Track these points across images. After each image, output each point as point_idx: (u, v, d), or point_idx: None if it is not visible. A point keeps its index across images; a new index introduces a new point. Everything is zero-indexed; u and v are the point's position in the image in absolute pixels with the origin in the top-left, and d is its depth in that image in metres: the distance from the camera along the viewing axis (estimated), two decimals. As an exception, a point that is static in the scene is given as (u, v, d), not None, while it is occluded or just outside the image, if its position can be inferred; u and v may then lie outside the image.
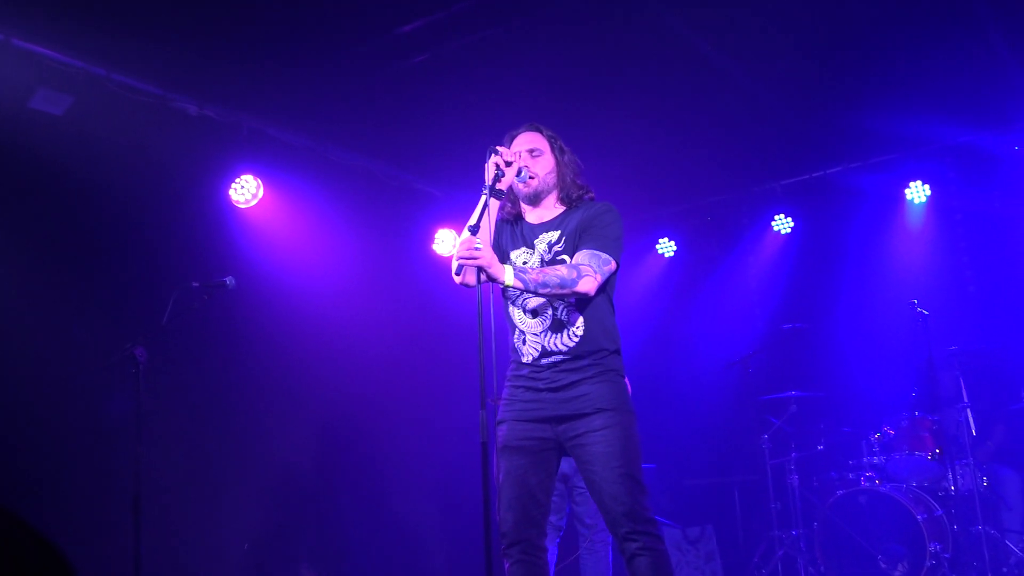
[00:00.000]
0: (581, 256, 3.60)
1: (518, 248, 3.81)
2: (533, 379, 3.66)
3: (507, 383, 3.77)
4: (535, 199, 3.83)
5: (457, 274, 3.51)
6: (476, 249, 3.33)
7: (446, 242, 8.15)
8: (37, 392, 5.54)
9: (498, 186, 3.61)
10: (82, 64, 5.72)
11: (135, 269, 6.07)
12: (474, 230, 3.40)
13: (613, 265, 3.66)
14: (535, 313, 3.69)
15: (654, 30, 5.90)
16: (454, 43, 5.90)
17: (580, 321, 3.65)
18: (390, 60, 6.05)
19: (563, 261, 3.67)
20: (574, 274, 3.51)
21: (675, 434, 8.18)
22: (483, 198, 3.55)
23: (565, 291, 3.50)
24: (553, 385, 3.62)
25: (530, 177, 3.76)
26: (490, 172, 3.61)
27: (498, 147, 3.68)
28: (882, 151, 8.01)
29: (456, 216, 8.09)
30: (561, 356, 3.63)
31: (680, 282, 9.19)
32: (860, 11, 5.88)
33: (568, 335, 3.64)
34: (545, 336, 3.66)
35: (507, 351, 3.82)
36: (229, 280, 5.09)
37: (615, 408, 3.57)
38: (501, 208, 3.84)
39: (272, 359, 6.80)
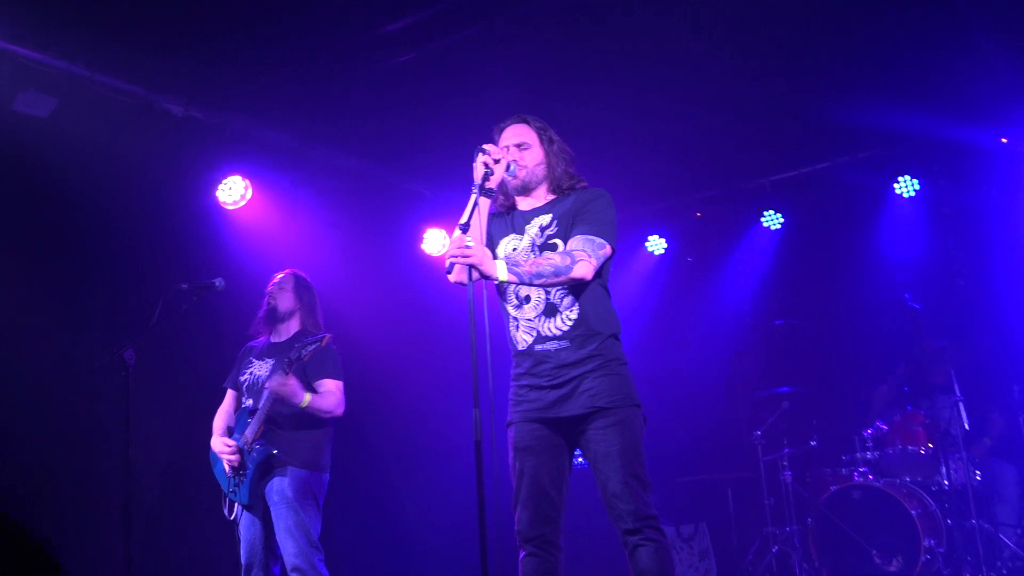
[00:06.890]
0: (575, 242, 3.57)
1: (507, 235, 3.79)
2: (535, 375, 3.65)
3: (512, 382, 3.76)
4: (525, 190, 3.83)
5: (449, 272, 3.48)
6: (467, 247, 3.31)
7: (435, 241, 8.11)
8: (25, 395, 5.51)
9: (487, 185, 3.59)
10: (65, 65, 5.66)
11: (123, 271, 6.03)
12: (465, 228, 3.39)
13: (608, 249, 3.63)
14: (527, 299, 3.67)
15: (640, 27, 5.88)
16: (439, 42, 5.87)
17: (574, 305, 3.62)
18: (376, 59, 6.03)
19: (555, 245, 3.64)
20: (568, 260, 3.48)
21: (668, 431, 8.15)
22: (473, 197, 3.53)
23: (560, 279, 3.48)
24: (555, 382, 3.60)
25: (519, 169, 3.75)
26: (479, 171, 3.58)
27: (485, 146, 3.65)
28: (870, 146, 8.00)
29: (445, 215, 8.05)
30: (556, 343, 3.61)
31: (670, 279, 9.18)
32: (847, 6, 5.87)
33: (562, 319, 3.62)
34: (539, 321, 3.65)
35: (502, 347, 3.79)
36: (218, 281, 5.04)
37: (616, 405, 3.56)
38: (494, 202, 3.80)
39: (262, 361, 6.75)
